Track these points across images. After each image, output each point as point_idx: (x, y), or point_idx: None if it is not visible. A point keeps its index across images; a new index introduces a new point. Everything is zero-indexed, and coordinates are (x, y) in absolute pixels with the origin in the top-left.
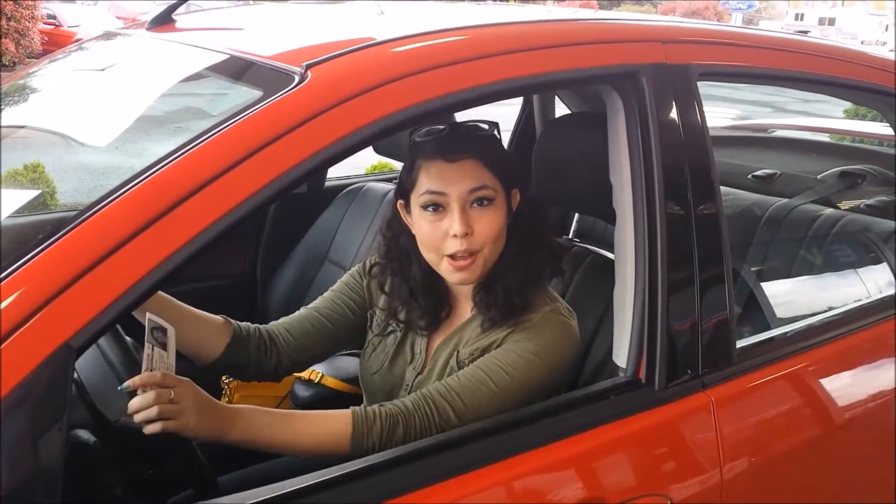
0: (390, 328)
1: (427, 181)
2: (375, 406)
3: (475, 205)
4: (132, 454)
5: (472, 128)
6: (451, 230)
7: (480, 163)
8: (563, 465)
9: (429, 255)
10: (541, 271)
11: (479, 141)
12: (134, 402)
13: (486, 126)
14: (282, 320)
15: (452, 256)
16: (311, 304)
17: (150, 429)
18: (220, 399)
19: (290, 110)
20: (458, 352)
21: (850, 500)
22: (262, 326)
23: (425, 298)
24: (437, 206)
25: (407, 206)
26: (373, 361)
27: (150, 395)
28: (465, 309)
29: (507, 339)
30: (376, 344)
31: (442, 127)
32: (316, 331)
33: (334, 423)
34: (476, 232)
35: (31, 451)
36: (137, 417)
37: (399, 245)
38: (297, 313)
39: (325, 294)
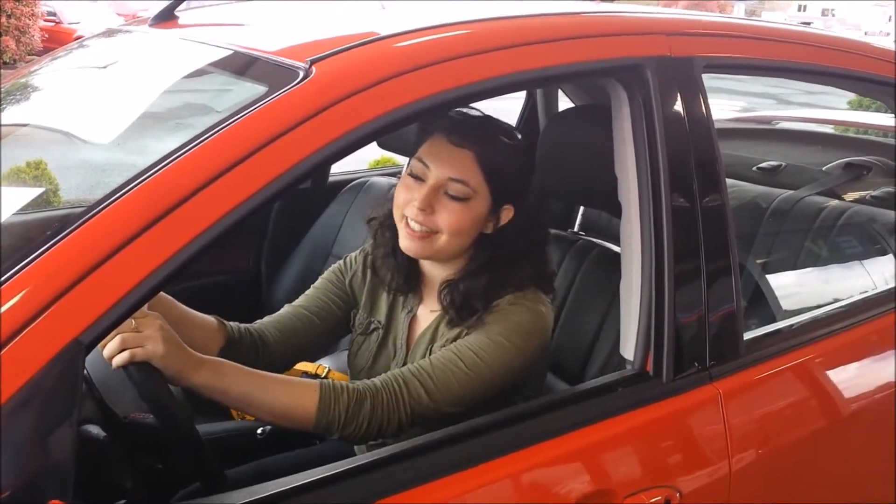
0: (373, 326)
1: (425, 151)
2: (344, 382)
3: (447, 194)
4: (141, 449)
5: (490, 125)
6: (413, 200)
7: (476, 161)
8: (571, 457)
9: (395, 214)
10: (511, 283)
11: (488, 141)
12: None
13: (513, 136)
14: (269, 319)
15: (408, 223)
16: (297, 302)
17: (117, 360)
18: None
19: (295, 106)
20: (433, 346)
21: (858, 491)
22: (251, 327)
23: (402, 257)
24: (417, 177)
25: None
26: (359, 360)
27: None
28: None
29: (475, 326)
30: (360, 342)
31: (475, 114)
32: (305, 328)
33: (302, 389)
34: (437, 215)
35: (42, 446)
36: (105, 352)
37: None
38: (283, 311)
39: (309, 292)
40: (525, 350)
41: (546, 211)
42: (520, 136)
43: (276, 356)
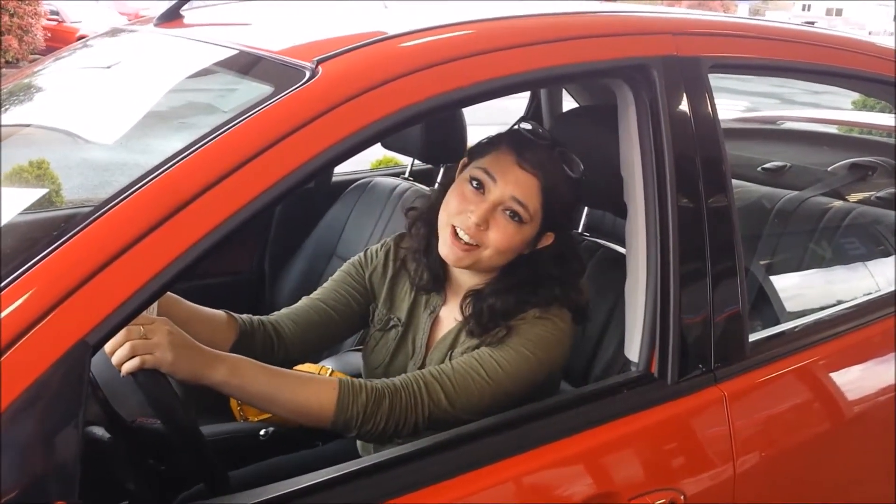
0: (392, 323)
1: (490, 163)
2: (363, 380)
3: (506, 213)
4: (146, 452)
5: (558, 154)
6: (470, 212)
7: (541, 187)
8: (576, 459)
9: (441, 217)
10: (534, 303)
11: (555, 171)
12: (107, 345)
13: (576, 168)
14: (285, 312)
15: (455, 232)
16: (314, 295)
17: (126, 367)
18: (228, 401)
19: (302, 106)
20: (453, 351)
21: (863, 494)
22: (266, 319)
23: (434, 258)
24: (479, 186)
25: (465, 168)
26: (375, 356)
27: (120, 333)
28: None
29: (493, 339)
30: (378, 339)
31: (548, 138)
32: (322, 322)
33: (321, 386)
34: (489, 231)
35: (47, 447)
36: (114, 359)
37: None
38: (300, 304)
39: (326, 285)
40: (546, 363)
41: None
42: (582, 168)
43: (292, 349)
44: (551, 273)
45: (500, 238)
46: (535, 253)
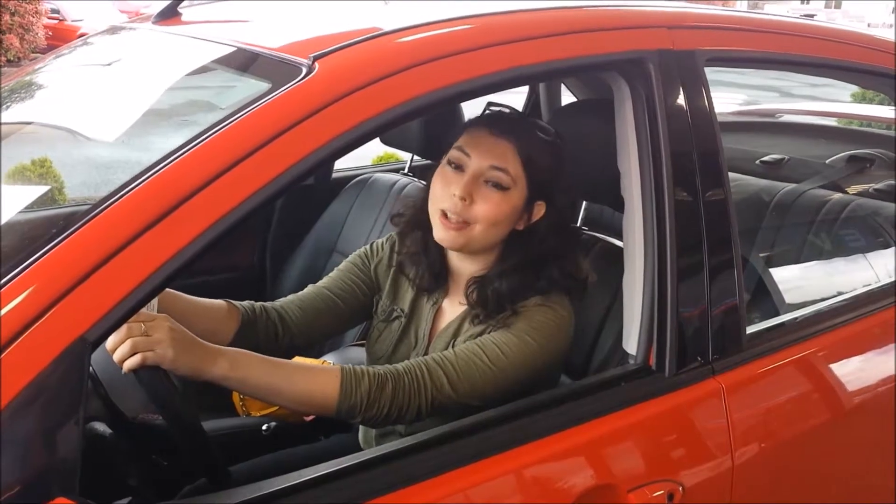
0: (395, 314)
1: (463, 140)
2: (365, 366)
3: (488, 183)
4: (148, 446)
5: (528, 120)
6: (453, 190)
7: (516, 150)
8: (574, 452)
9: (431, 208)
10: (538, 287)
11: (527, 133)
12: (108, 342)
13: (549, 133)
14: (291, 298)
15: (445, 214)
16: (321, 283)
17: (128, 364)
18: (230, 396)
19: (298, 102)
20: (455, 340)
21: (862, 485)
22: (270, 305)
23: (433, 256)
24: (457, 166)
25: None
26: (379, 347)
27: (121, 330)
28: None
29: (500, 326)
30: (381, 329)
31: (516, 112)
32: (328, 310)
33: (324, 374)
34: (475, 205)
35: (48, 444)
36: (115, 356)
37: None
38: (306, 292)
39: (332, 274)
40: (548, 350)
41: None
42: (555, 133)
43: (298, 336)
44: (549, 246)
45: (488, 209)
46: (530, 228)
